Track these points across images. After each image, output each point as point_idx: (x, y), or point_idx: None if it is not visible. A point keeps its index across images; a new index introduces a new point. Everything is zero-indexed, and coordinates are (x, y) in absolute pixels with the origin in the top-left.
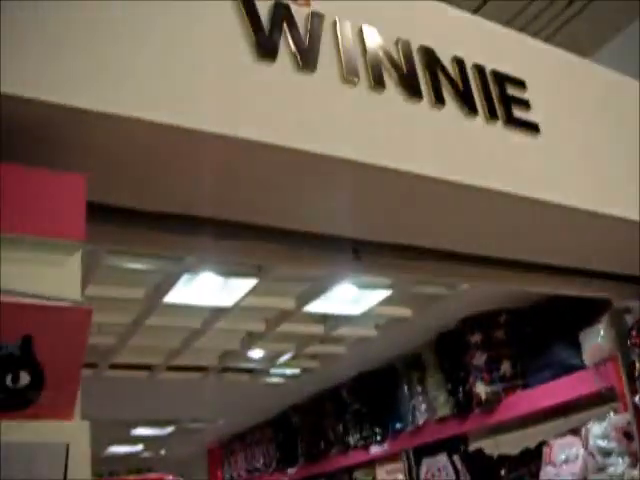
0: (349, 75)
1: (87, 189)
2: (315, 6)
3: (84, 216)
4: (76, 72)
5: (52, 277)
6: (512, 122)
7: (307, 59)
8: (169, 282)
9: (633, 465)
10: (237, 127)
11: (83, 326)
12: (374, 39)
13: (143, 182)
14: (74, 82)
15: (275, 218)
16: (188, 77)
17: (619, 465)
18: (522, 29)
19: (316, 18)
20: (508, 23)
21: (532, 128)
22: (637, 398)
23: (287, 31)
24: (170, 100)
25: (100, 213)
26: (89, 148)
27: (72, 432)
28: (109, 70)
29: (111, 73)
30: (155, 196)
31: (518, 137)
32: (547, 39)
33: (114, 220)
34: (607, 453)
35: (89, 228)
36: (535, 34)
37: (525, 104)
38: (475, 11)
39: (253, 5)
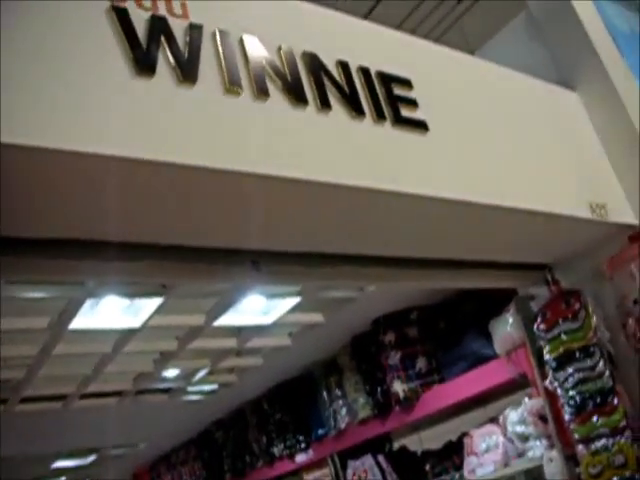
0: (232, 86)
1: None
2: (193, 18)
3: None
4: None
5: None
6: (400, 122)
7: (187, 72)
8: (73, 308)
9: (550, 447)
10: (120, 147)
11: None
12: (256, 48)
13: (34, 210)
14: None
15: (171, 236)
16: (65, 96)
17: (537, 448)
18: (412, 31)
19: (195, 30)
20: (399, 27)
21: (421, 126)
22: (547, 382)
23: (165, 44)
24: (48, 122)
25: None
26: None
27: None
28: None
29: None
30: (49, 223)
31: (407, 136)
32: (438, 39)
33: (8, 251)
34: (525, 438)
35: None
36: (426, 35)
37: (412, 103)
38: (365, 16)
39: (128, 19)
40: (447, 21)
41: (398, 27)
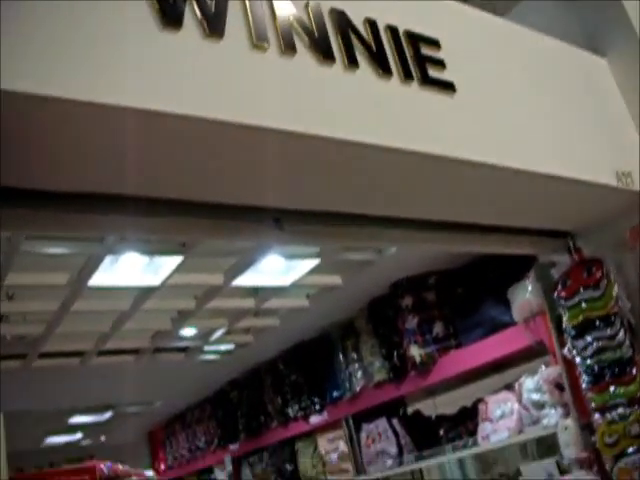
0: (259, 41)
1: None
2: None
3: None
4: None
5: None
6: (427, 82)
7: (214, 26)
8: (92, 265)
9: (566, 415)
10: (145, 100)
11: None
12: (283, 3)
13: (56, 162)
14: None
15: (194, 192)
16: (90, 48)
17: (552, 416)
18: None
19: None
20: None
21: (448, 87)
22: (566, 350)
23: None
24: (73, 74)
25: (14, 197)
26: None
27: None
28: (7, 44)
29: (8, 47)
30: (70, 176)
31: (434, 97)
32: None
33: (29, 204)
34: (540, 405)
35: (3, 213)
36: None
37: (440, 63)
38: None
39: None
40: None
41: None
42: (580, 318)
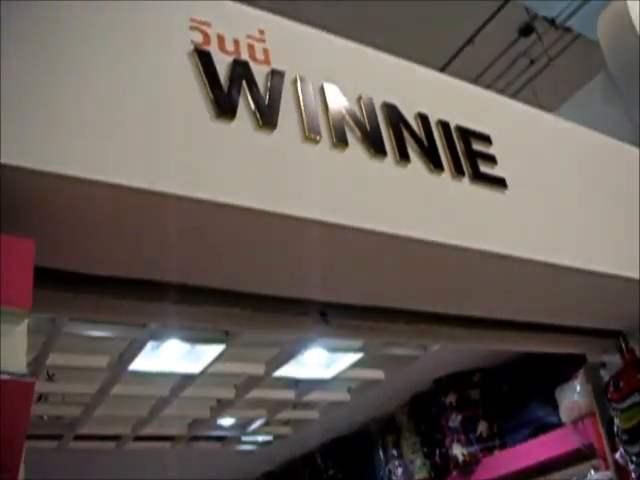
0: (311, 133)
1: (45, 255)
2: (275, 64)
3: (31, 283)
4: (24, 131)
5: None
6: (479, 178)
7: (267, 117)
8: (134, 350)
9: None
10: (195, 188)
11: (26, 400)
12: (336, 96)
13: (102, 247)
14: (22, 142)
15: (240, 282)
16: (144, 136)
17: None
18: (487, 87)
19: (276, 76)
20: (473, 82)
21: (499, 183)
22: (618, 455)
23: (246, 89)
24: (124, 160)
25: (59, 280)
26: (47, 212)
27: None
28: (60, 129)
29: (62, 132)
30: (116, 261)
31: (485, 193)
32: (512, 97)
33: (74, 287)
34: None
35: (47, 295)
36: (500, 92)
37: (491, 159)
38: (441, 70)
39: (211, 62)
40: (520, 81)
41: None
42: (634, 422)
